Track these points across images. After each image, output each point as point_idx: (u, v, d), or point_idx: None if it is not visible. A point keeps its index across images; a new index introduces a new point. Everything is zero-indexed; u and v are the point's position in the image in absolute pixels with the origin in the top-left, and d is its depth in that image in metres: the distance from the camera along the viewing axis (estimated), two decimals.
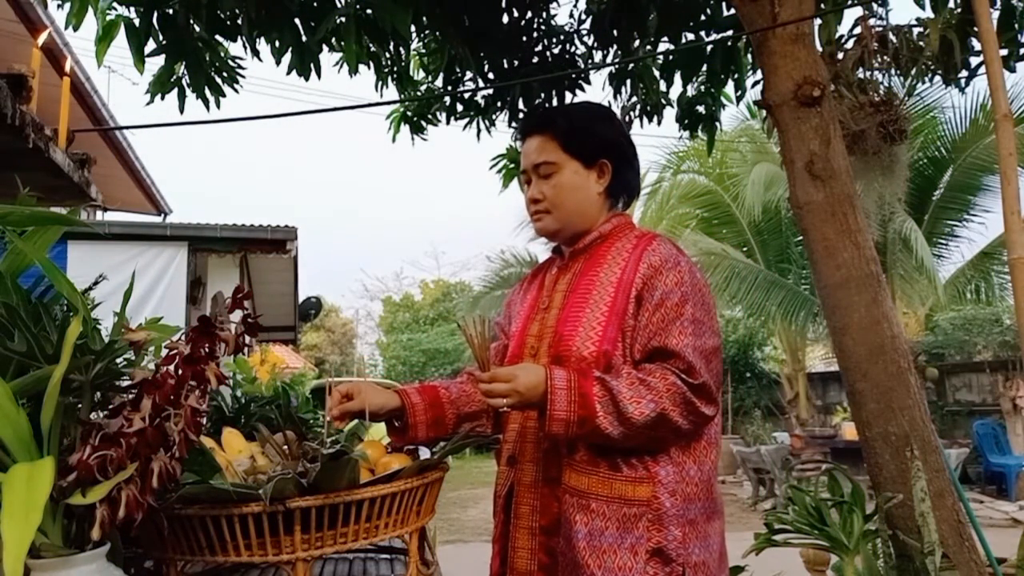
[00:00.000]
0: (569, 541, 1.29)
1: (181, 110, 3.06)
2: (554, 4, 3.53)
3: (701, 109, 3.73)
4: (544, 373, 1.25)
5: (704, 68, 3.54)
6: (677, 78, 3.59)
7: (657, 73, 3.64)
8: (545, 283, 1.51)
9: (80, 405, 1.01)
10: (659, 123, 3.83)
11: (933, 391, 9.99)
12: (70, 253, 4.70)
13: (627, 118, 3.79)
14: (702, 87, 3.67)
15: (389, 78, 3.55)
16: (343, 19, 2.71)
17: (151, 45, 2.81)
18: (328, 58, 3.13)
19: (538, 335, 1.43)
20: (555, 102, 3.64)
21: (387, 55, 3.42)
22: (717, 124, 3.83)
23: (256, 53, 2.92)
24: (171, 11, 2.74)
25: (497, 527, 1.45)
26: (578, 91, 3.69)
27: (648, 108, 3.75)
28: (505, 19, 3.41)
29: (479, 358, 1.30)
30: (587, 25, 3.56)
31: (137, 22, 2.76)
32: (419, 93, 3.82)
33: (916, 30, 2.90)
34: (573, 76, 3.63)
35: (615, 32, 3.42)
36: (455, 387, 1.52)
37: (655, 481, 1.28)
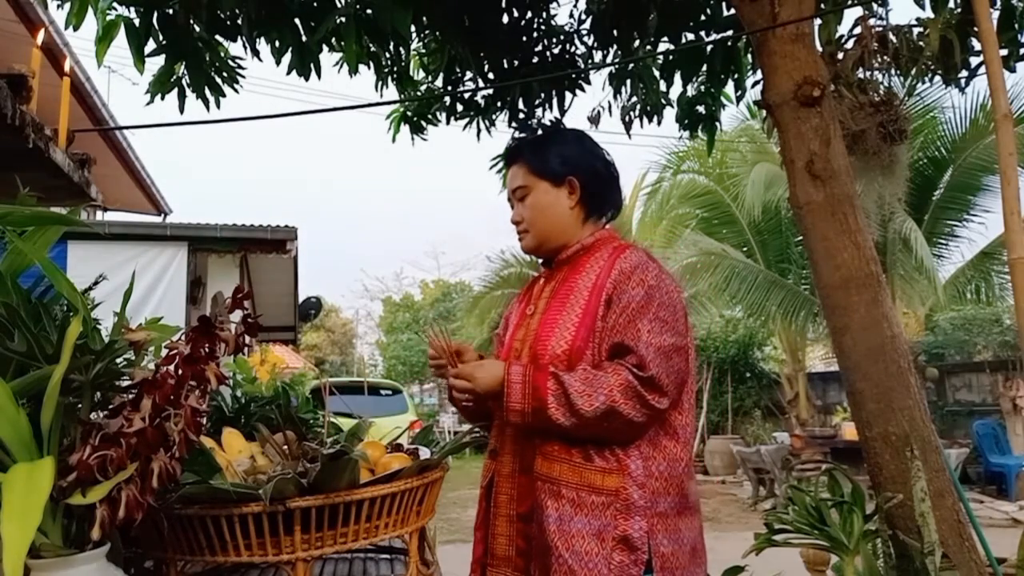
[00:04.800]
0: (540, 526, 1.37)
1: (181, 110, 3.06)
2: (554, 4, 3.52)
3: (701, 109, 3.72)
4: (502, 370, 1.37)
5: (704, 68, 3.53)
6: (677, 78, 3.58)
7: (657, 73, 3.63)
8: (533, 293, 1.62)
9: (80, 405, 1.01)
10: (659, 123, 3.83)
11: (933, 391, 9.98)
12: (70, 253, 4.70)
13: (627, 118, 3.79)
14: (702, 87, 3.67)
15: (389, 78, 3.55)
16: (343, 19, 2.71)
17: (151, 45, 2.81)
18: (328, 58, 3.13)
19: (522, 339, 1.54)
20: (555, 102, 3.63)
21: (387, 55, 3.42)
22: (717, 124, 3.82)
23: (256, 53, 2.92)
24: (171, 11, 2.73)
25: (479, 515, 1.54)
26: (578, 91, 3.69)
27: (648, 108, 3.75)
28: (505, 19, 3.41)
29: (448, 359, 1.45)
30: (587, 25, 3.56)
31: (137, 22, 2.76)
32: (419, 93, 3.82)
33: (916, 30, 2.90)
34: (573, 76, 3.62)
35: (615, 32, 3.42)
36: None
37: (624, 473, 1.36)
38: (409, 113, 3.92)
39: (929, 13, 2.94)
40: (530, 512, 1.42)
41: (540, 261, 1.66)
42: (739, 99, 3.64)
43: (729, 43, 3.39)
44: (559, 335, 1.43)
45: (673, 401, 1.38)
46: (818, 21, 2.81)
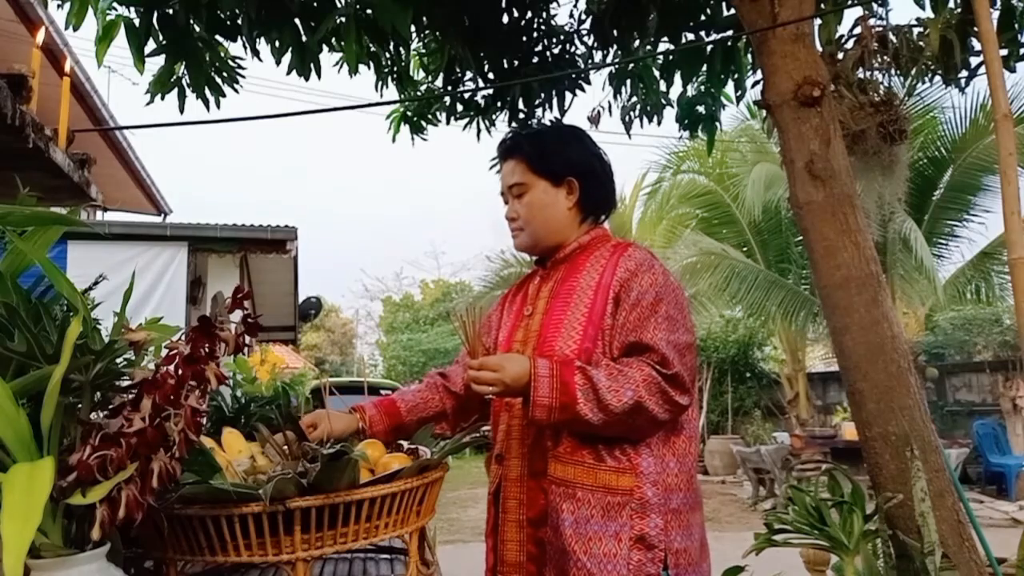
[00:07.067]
0: (556, 530, 1.35)
1: (181, 110, 3.06)
2: (554, 4, 3.52)
3: (701, 109, 3.72)
4: (529, 363, 1.33)
5: (704, 68, 3.53)
6: (677, 78, 3.58)
7: (657, 73, 3.63)
8: (529, 292, 1.60)
9: (80, 405, 1.01)
10: (659, 123, 3.83)
11: (933, 391, 9.98)
12: (70, 253, 4.70)
13: (627, 118, 3.79)
14: (702, 87, 3.67)
15: (389, 78, 3.55)
16: (343, 19, 2.71)
17: (151, 45, 2.81)
18: (328, 58, 3.13)
19: (523, 340, 1.51)
20: (555, 102, 3.64)
21: (387, 55, 3.42)
22: (717, 124, 3.82)
23: (256, 53, 2.92)
24: (171, 11, 2.73)
25: (488, 522, 1.53)
26: (578, 91, 3.69)
27: (648, 108, 3.75)
28: (505, 19, 3.41)
29: (470, 346, 1.37)
30: (587, 25, 3.56)
31: (137, 22, 2.75)
32: (419, 93, 3.82)
33: (916, 30, 2.89)
34: (573, 76, 3.62)
35: (615, 32, 3.42)
36: (412, 396, 1.65)
37: (637, 472, 1.35)
38: (409, 113, 3.92)
39: (929, 13, 2.94)
40: (539, 516, 1.40)
41: (533, 259, 1.65)
42: (739, 99, 3.64)
43: (729, 43, 3.39)
44: (566, 335, 1.41)
45: None
46: (818, 21, 2.81)
